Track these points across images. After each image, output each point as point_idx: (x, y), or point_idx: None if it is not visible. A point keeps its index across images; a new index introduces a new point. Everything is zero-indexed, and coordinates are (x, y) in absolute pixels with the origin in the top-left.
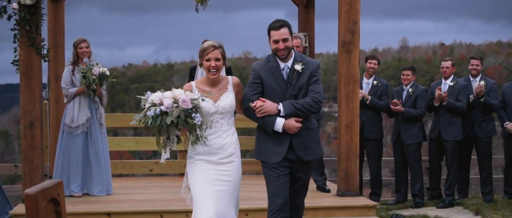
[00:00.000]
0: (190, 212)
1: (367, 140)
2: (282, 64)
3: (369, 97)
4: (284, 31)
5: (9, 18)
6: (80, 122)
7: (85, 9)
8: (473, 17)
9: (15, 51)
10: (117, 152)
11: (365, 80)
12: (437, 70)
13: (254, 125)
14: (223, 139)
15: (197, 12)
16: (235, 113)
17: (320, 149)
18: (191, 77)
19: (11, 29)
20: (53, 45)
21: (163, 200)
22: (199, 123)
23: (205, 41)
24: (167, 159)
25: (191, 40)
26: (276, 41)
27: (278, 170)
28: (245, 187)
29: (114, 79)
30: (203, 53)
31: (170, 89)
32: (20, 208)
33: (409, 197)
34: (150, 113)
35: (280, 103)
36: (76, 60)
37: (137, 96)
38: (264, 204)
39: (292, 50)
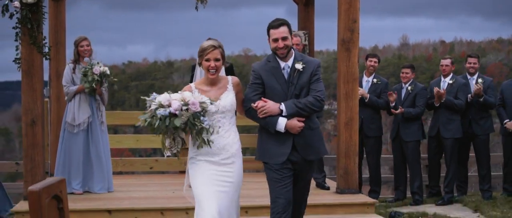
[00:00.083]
0: (191, 209)
1: (367, 137)
2: (282, 64)
3: (368, 95)
4: (283, 29)
5: (11, 16)
6: (81, 120)
7: (85, 6)
8: (473, 14)
9: (16, 50)
10: (117, 149)
11: (365, 78)
12: (437, 68)
13: (253, 122)
14: (225, 138)
15: (197, 10)
16: (235, 112)
17: (323, 148)
18: (193, 75)
19: (13, 28)
20: (54, 43)
21: (164, 197)
22: (207, 126)
23: (209, 39)
24: (168, 156)
25: (191, 38)
26: (276, 40)
27: (281, 171)
28: (245, 184)
29: (115, 79)
30: (202, 53)
31: (170, 88)
32: (21, 205)
33: (408, 194)
34: (160, 112)
35: (282, 103)
36: (77, 58)
37: (142, 97)
38: (264, 201)
39: (292, 49)
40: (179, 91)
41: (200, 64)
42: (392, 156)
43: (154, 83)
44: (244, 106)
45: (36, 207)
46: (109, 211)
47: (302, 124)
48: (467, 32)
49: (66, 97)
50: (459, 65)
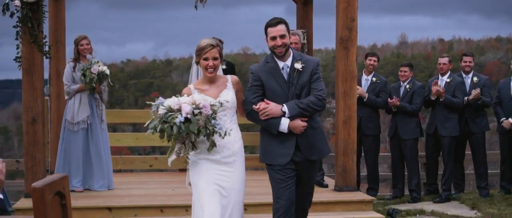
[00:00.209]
0: (191, 207)
1: (365, 135)
2: (281, 64)
3: (367, 95)
4: (281, 27)
5: (11, 15)
6: (80, 119)
7: (85, 5)
8: (472, 12)
9: (17, 48)
10: (116, 147)
11: (364, 76)
12: (436, 66)
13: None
14: (227, 136)
15: (196, 9)
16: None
17: (326, 147)
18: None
19: (14, 26)
20: (54, 42)
21: (163, 195)
22: (220, 129)
23: (213, 38)
24: (174, 158)
25: (190, 36)
26: (274, 38)
27: (283, 172)
28: (245, 182)
29: (111, 84)
30: (200, 52)
31: (169, 86)
32: (22, 203)
33: (406, 192)
34: (178, 120)
35: (284, 104)
36: (77, 57)
37: (148, 102)
38: (263, 199)
39: (290, 48)
40: (176, 96)
41: (197, 63)
42: (390, 154)
43: (153, 82)
44: (245, 109)
45: (39, 203)
46: (110, 209)
47: (305, 124)
48: (466, 30)
49: (66, 96)
50: (457, 64)
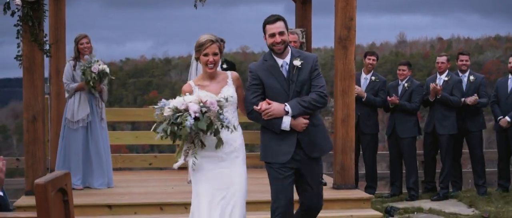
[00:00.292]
0: (190, 204)
1: (363, 134)
2: (280, 61)
3: (365, 94)
4: (279, 24)
5: (12, 14)
6: (80, 117)
7: (85, 4)
8: (471, 11)
9: (18, 47)
10: (115, 146)
11: (363, 75)
12: (434, 65)
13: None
14: (228, 132)
15: (196, 8)
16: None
17: (328, 144)
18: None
19: (15, 25)
20: (54, 41)
21: (163, 193)
22: (229, 123)
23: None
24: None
25: (189, 35)
26: (272, 35)
27: (282, 170)
28: None
29: (113, 77)
30: (200, 47)
31: (167, 85)
32: (23, 200)
33: (404, 190)
34: (188, 123)
35: (286, 104)
36: (77, 56)
37: (151, 106)
38: (263, 197)
39: (288, 46)
40: (181, 95)
41: (197, 59)
42: (388, 152)
43: (152, 81)
44: (246, 109)
45: (42, 199)
46: (110, 206)
47: (307, 121)
48: (465, 29)
49: (66, 94)
50: (455, 63)
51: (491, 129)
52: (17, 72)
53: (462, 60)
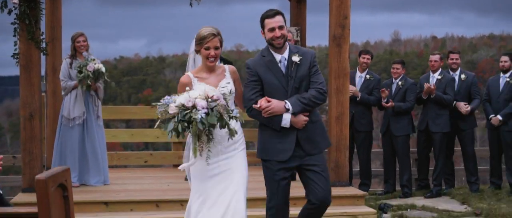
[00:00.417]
0: (186, 201)
1: (357, 132)
2: (278, 57)
3: (359, 94)
4: (279, 18)
5: (9, 12)
6: (76, 114)
7: (77, 4)
8: (467, 10)
9: (15, 45)
10: (110, 144)
11: (358, 73)
12: (428, 63)
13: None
14: (236, 123)
15: (191, 6)
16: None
17: (326, 141)
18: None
19: (12, 23)
20: (50, 39)
21: (159, 190)
22: (236, 114)
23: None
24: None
25: (183, 33)
26: (272, 29)
27: (280, 171)
28: None
29: (108, 80)
30: (202, 41)
31: (162, 83)
32: (20, 197)
33: (398, 187)
34: (198, 117)
35: (286, 101)
36: (74, 54)
37: (154, 103)
38: (258, 194)
39: (287, 41)
40: (187, 90)
41: (198, 52)
42: (382, 150)
43: (146, 79)
44: (245, 106)
45: (43, 195)
46: (106, 203)
47: (307, 118)
48: (460, 28)
49: (63, 92)
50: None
51: (484, 127)
52: (10, 70)
53: (452, 59)
